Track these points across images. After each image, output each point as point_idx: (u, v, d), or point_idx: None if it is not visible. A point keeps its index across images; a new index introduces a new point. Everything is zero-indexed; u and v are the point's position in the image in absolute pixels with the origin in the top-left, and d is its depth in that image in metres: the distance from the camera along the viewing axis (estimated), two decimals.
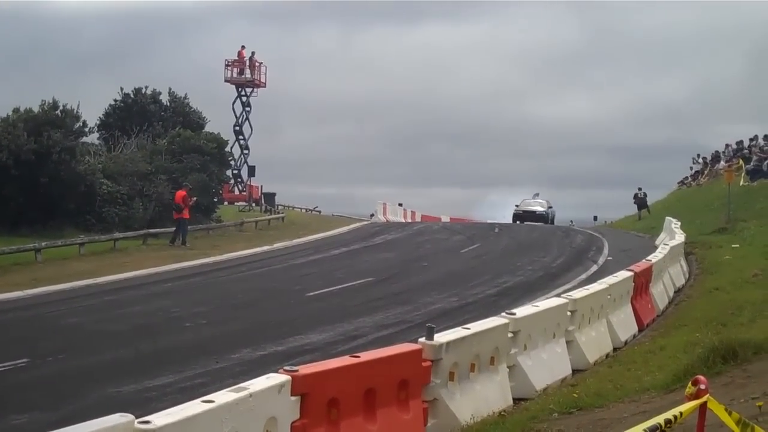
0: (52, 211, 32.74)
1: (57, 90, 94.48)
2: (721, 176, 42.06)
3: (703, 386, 4.92)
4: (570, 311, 12.73)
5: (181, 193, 31.81)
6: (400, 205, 56.20)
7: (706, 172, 51.03)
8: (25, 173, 31.76)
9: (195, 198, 32.70)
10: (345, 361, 7.63)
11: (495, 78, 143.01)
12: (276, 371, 6.81)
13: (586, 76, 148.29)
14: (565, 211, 52.75)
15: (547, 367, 11.64)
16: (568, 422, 8.60)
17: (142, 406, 8.62)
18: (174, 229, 31.62)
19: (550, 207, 50.58)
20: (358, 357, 7.73)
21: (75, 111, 36.60)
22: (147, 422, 5.17)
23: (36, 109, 35.27)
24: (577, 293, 13.64)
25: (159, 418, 5.28)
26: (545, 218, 48.28)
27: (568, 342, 12.63)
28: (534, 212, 48.61)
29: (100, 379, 11.34)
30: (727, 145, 51.31)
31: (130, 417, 5.08)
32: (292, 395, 6.62)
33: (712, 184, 46.36)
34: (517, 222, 47.35)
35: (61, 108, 35.93)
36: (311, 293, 19.86)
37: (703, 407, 4.94)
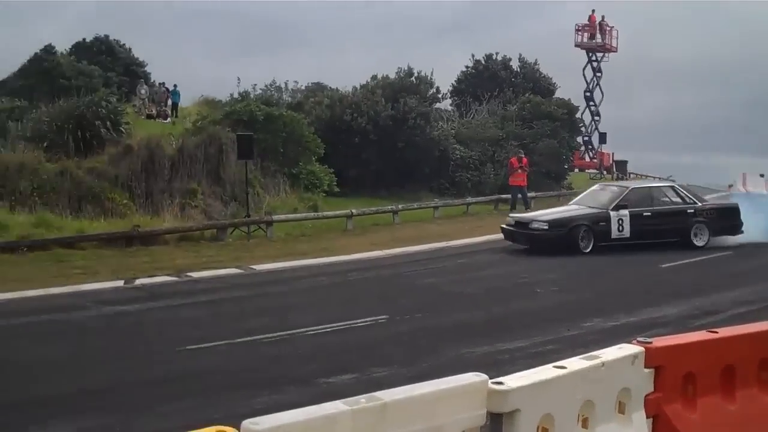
0: (409, 175, 34.31)
1: (413, 58, 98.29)
2: None
3: None
4: None
5: (510, 159, 32.03)
6: (762, 176, 52.81)
7: None
8: (383, 138, 33.52)
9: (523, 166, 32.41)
10: (702, 335, 7.30)
11: None
12: (628, 342, 6.67)
13: None
14: None
15: None
16: None
17: (494, 368, 8.80)
18: None
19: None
20: (716, 332, 7.38)
21: (429, 78, 38.03)
22: (500, 383, 5.22)
23: (392, 76, 37.05)
24: None
25: (512, 380, 5.33)
26: (545, 239, 21.67)
27: None
28: (525, 225, 22.46)
29: (454, 339, 11.70)
30: None
31: (484, 377, 5.17)
32: (645, 367, 6.45)
33: None
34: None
35: (415, 75, 37.46)
36: (665, 264, 19.21)
37: None
